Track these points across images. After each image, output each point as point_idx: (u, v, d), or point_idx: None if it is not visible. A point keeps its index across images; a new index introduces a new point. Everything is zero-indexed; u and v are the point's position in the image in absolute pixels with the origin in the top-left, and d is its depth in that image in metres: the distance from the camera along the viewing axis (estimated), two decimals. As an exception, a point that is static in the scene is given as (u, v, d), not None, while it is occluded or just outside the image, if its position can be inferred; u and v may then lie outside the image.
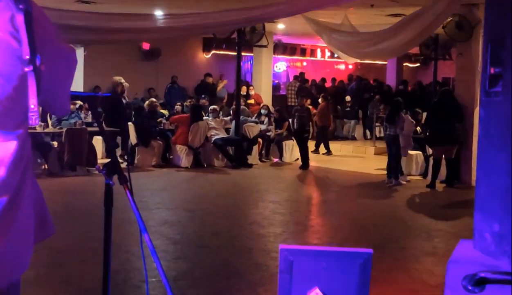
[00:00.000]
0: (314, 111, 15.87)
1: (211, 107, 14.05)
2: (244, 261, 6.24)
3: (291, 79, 21.02)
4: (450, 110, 10.83)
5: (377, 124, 16.79)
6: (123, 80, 12.85)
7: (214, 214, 8.60)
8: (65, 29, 8.72)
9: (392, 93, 18.71)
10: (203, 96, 16.39)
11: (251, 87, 17.47)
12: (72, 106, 12.26)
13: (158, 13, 11.98)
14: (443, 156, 11.03)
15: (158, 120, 13.27)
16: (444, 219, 8.57)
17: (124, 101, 12.98)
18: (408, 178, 11.81)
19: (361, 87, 19.91)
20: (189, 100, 16.14)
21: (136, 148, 12.54)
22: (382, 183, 11.29)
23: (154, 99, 13.88)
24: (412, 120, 11.61)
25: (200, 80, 18.99)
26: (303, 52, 22.22)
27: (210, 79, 18.66)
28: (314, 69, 22.87)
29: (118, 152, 12.21)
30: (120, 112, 12.03)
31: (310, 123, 14.18)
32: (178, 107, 14.82)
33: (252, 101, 16.72)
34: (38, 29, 1.97)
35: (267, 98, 17.35)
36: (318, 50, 22.49)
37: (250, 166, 12.99)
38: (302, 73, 20.80)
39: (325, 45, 17.27)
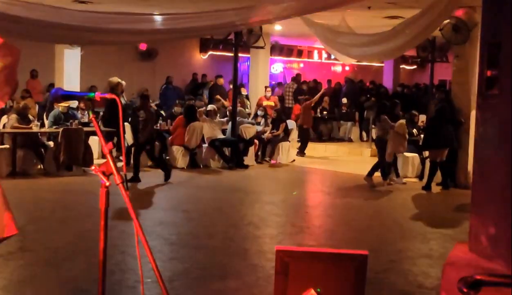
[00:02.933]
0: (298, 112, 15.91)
1: (209, 107, 14.00)
2: (240, 262, 6.23)
3: (288, 80, 21.01)
4: (447, 114, 10.88)
5: (373, 126, 16.80)
6: (119, 80, 12.81)
7: (210, 214, 8.59)
8: (62, 28, 8.72)
9: (389, 95, 18.71)
10: (197, 97, 16.32)
11: (268, 89, 17.01)
12: (62, 107, 12.11)
13: (155, 14, 11.94)
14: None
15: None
16: (440, 221, 8.58)
17: (123, 101, 12.92)
18: (404, 180, 11.83)
19: (354, 90, 19.88)
20: (188, 101, 16.03)
21: (132, 148, 12.50)
22: (378, 185, 11.30)
23: None
24: (391, 123, 11.34)
25: (200, 80, 18.91)
26: (300, 53, 22.22)
27: (221, 81, 18.27)
28: (311, 70, 22.88)
29: (114, 153, 12.17)
30: (117, 113, 11.92)
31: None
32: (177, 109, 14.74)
33: (272, 103, 16.32)
34: None
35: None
36: (315, 52, 22.50)
37: (246, 167, 12.99)
38: (298, 75, 20.79)
39: (322, 47, 17.29)
